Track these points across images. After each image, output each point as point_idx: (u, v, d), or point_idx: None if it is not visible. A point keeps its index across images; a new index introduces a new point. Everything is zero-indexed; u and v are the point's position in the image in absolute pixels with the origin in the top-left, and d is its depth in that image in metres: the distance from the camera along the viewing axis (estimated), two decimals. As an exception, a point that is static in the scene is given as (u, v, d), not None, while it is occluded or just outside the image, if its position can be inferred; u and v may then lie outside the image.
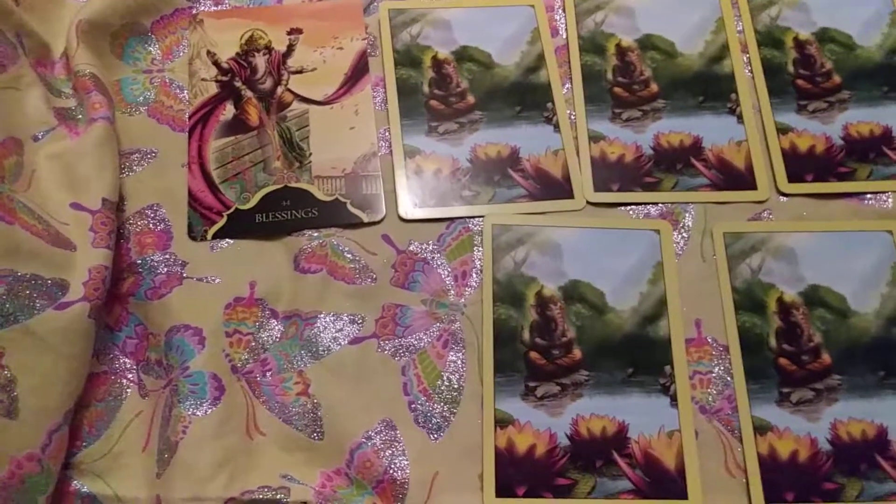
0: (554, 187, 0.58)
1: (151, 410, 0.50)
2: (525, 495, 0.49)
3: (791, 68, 0.63)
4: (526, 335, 0.52)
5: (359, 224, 0.56)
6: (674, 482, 0.49)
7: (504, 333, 0.53)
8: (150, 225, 0.56)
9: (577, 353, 0.52)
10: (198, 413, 0.48)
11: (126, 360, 0.52)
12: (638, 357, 0.52)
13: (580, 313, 0.53)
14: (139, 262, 0.54)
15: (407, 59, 0.63)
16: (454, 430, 0.50)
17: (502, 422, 0.50)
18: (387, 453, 0.49)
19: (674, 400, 0.51)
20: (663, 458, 0.49)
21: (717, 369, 0.52)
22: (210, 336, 0.51)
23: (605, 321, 0.53)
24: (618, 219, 0.57)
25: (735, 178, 0.58)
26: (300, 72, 0.62)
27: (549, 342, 0.52)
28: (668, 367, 0.52)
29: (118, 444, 0.50)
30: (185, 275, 0.54)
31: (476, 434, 0.50)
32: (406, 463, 0.49)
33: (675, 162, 0.59)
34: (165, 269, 0.54)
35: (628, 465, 0.49)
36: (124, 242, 0.55)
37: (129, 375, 0.52)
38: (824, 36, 0.64)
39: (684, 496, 0.49)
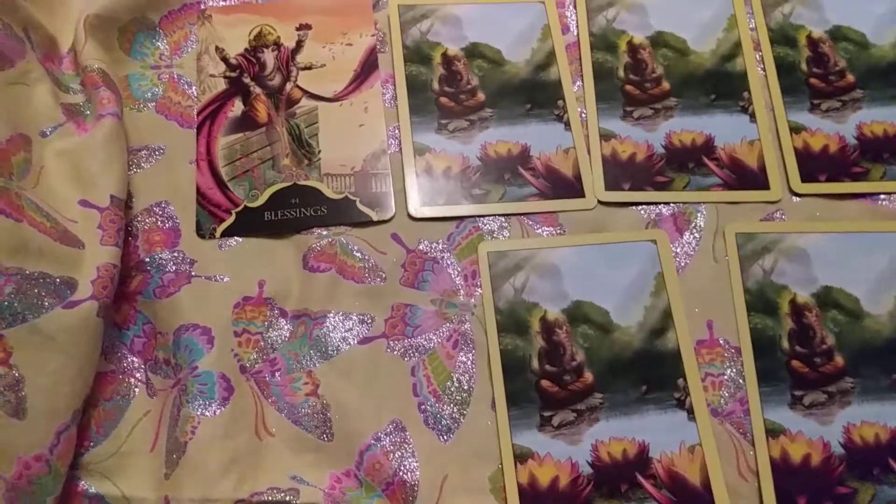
0: (565, 186, 0.57)
1: (160, 410, 0.50)
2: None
3: (804, 66, 0.62)
4: (535, 363, 0.51)
5: (368, 222, 0.56)
6: (701, 497, 0.48)
7: (513, 364, 0.51)
8: (159, 222, 0.55)
9: (588, 376, 0.51)
10: (206, 413, 0.48)
11: (134, 359, 0.52)
12: (650, 373, 0.51)
13: (587, 334, 0.52)
14: (147, 260, 0.53)
15: (417, 55, 0.62)
16: (464, 432, 0.50)
17: (521, 457, 0.49)
18: (396, 455, 0.49)
19: (690, 413, 0.50)
20: (687, 475, 0.49)
21: (728, 371, 0.52)
22: (219, 335, 0.51)
23: (613, 340, 0.52)
24: (613, 234, 0.56)
25: (747, 177, 0.58)
26: (309, 68, 0.61)
27: (559, 368, 0.51)
28: (681, 381, 0.51)
29: (126, 444, 0.49)
30: (193, 273, 0.53)
31: (486, 436, 0.50)
32: (416, 465, 0.49)
33: (686, 161, 0.58)
34: (174, 268, 0.53)
35: (654, 487, 0.48)
36: (132, 240, 0.54)
37: (137, 375, 0.52)
38: (838, 34, 0.63)
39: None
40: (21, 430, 0.43)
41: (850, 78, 0.61)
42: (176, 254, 0.54)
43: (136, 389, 0.51)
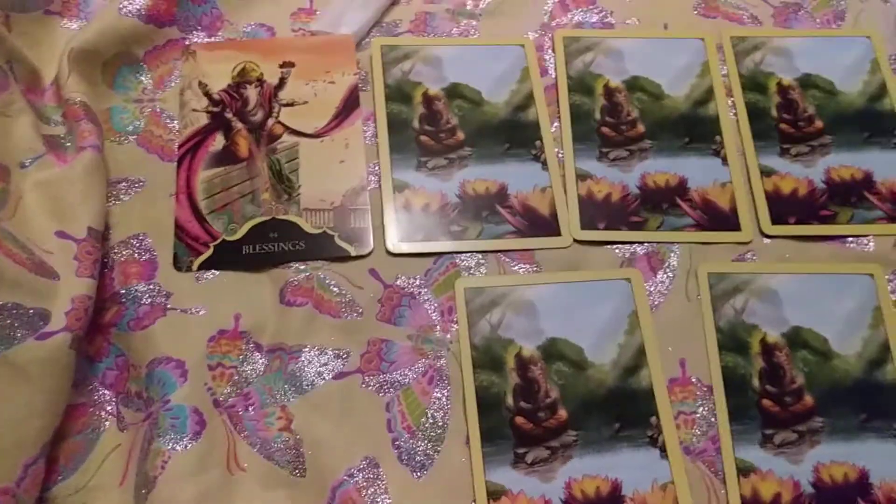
0: (541, 224, 0.58)
1: (130, 444, 0.50)
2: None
3: (774, 112, 0.64)
4: (509, 400, 0.52)
5: (346, 257, 0.56)
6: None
7: (487, 400, 0.51)
8: (136, 255, 0.55)
9: (562, 413, 0.51)
10: (177, 448, 0.48)
11: (105, 391, 0.51)
12: (623, 411, 0.52)
13: (561, 372, 0.53)
14: (123, 291, 0.53)
15: (398, 94, 0.63)
16: (438, 469, 0.50)
17: (495, 494, 0.49)
18: (369, 491, 0.48)
19: (663, 451, 0.51)
20: None
21: (700, 410, 0.52)
22: (192, 369, 0.51)
23: (587, 377, 0.52)
24: (588, 272, 0.56)
25: (720, 218, 0.59)
26: (291, 104, 0.62)
27: (533, 405, 0.51)
28: (653, 418, 0.52)
29: (94, 478, 0.48)
30: (169, 306, 0.53)
31: (460, 472, 0.50)
32: (389, 501, 0.48)
33: (660, 202, 0.60)
34: (149, 300, 0.53)
35: None
36: (108, 272, 0.54)
37: (108, 408, 0.51)
38: (807, 81, 0.65)
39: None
40: (-12, 464, 0.43)
41: (819, 124, 0.63)
42: (152, 286, 0.54)
43: (107, 423, 0.50)
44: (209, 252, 0.56)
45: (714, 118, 0.63)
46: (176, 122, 0.61)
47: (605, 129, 0.63)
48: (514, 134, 0.62)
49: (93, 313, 0.50)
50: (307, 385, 0.52)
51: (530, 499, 0.49)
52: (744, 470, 0.50)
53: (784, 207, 0.60)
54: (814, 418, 0.52)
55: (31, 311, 0.47)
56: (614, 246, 0.58)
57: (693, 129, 0.63)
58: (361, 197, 0.58)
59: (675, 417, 0.52)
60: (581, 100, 0.64)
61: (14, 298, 0.46)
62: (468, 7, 0.69)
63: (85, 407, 0.51)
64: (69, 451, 0.49)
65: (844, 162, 0.62)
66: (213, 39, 0.65)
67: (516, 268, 0.57)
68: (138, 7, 0.62)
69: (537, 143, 0.62)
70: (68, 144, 0.58)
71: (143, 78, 0.63)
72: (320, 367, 0.52)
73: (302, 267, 0.55)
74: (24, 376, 0.45)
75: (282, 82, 0.63)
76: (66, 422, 0.49)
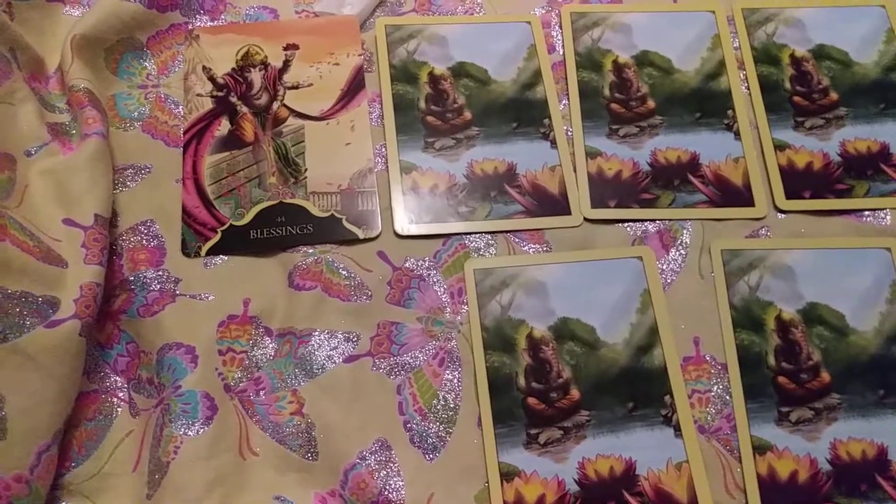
0: (551, 203, 0.58)
1: (142, 430, 0.50)
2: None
3: (788, 85, 0.63)
4: (521, 381, 0.51)
5: (354, 240, 0.56)
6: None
7: (499, 382, 0.51)
8: (144, 241, 0.55)
9: (574, 393, 0.51)
10: (189, 433, 0.48)
11: (117, 378, 0.52)
12: (636, 390, 0.51)
13: (573, 351, 0.52)
14: (132, 278, 0.53)
15: (403, 74, 0.62)
16: (450, 451, 0.50)
17: (508, 475, 0.49)
18: (381, 474, 0.48)
19: (677, 430, 0.50)
20: (675, 492, 0.48)
21: (715, 388, 0.52)
22: (203, 354, 0.51)
23: (600, 357, 0.52)
24: (599, 251, 0.56)
25: (733, 194, 0.58)
26: (296, 87, 0.62)
27: (545, 385, 0.51)
28: (667, 397, 0.51)
29: (108, 464, 0.49)
30: (178, 292, 0.53)
31: (472, 454, 0.49)
32: (401, 484, 0.48)
33: (672, 178, 0.59)
34: (158, 286, 0.53)
35: None
36: (117, 259, 0.54)
37: (120, 394, 0.51)
38: (821, 53, 0.64)
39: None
40: (1, 451, 0.43)
41: (834, 96, 0.62)
42: (161, 272, 0.54)
43: (119, 409, 0.51)
44: (217, 237, 0.55)
45: (726, 92, 0.62)
46: (181, 107, 0.61)
47: (614, 106, 0.62)
48: (521, 112, 0.61)
49: (102, 300, 0.50)
50: (317, 369, 0.51)
51: (544, 479, 0.49)
52: (760, 448, 0.50)
53: (798, 182, 0.59)
54: (830, 395, 0.51)
55: (40, 298, 0.47)
56: (625, 224, 0.57)
57: (704, 104, 0.62)
58: (368, 179, 0.58)
59: (689, 396, 0.51)
60: (589, 76, 0.63)
61: (22, 286, 0.46)
62: (473, -16, 0.68)
63: (97, 394, 0.51)
64: (82, 437, 0.50)
65: (860, 134, 0.60)
66: (215, 23, 0.65)
67: (526, 248, 0.56)
68: (140, -9, 0.62)
69: (546, 121, 0.61)
70: (73, 132, 0.57)
71: (146, 64, 0.63)
72: (330, 350, 0.52)
73: (310, 251, 0.55)
74: (34, 364, 0.45)
75: (286, 65, 0.63)
76: (78, 409, 0.50)
